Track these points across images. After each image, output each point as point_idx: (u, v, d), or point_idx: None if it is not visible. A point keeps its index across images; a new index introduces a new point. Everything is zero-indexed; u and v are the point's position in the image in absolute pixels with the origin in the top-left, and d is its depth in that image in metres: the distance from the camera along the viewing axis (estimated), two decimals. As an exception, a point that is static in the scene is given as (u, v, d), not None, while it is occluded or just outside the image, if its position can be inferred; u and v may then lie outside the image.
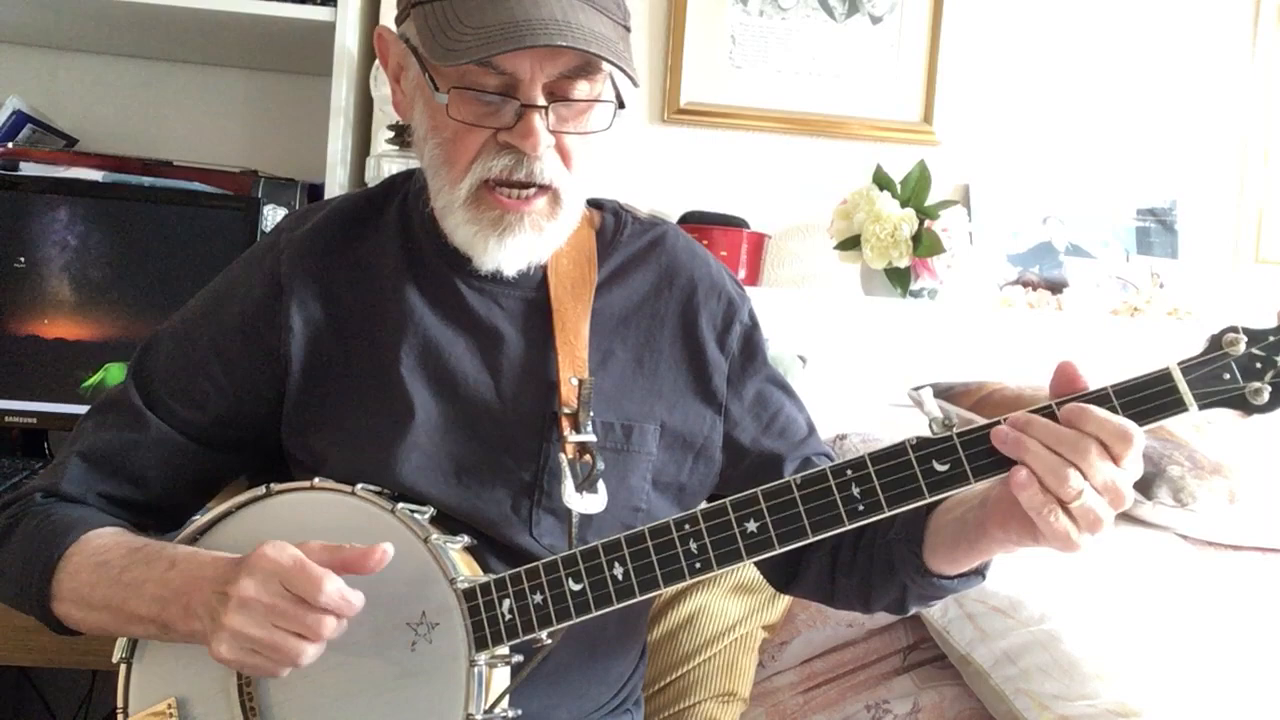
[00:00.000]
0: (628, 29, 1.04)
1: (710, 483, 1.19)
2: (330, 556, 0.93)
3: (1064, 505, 0.85)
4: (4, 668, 1.99)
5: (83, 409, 1.18)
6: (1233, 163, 2.23)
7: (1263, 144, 2.23)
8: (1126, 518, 1.63)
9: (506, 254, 1.05)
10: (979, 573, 1.03)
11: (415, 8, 1.01)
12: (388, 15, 2.02)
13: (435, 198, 1.07)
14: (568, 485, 1.04)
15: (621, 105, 1.04)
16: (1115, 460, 0.85)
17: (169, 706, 1.03)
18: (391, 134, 1.89)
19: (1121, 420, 0.85)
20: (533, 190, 1.03)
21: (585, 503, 1.04)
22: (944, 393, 1.75)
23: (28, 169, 1.88)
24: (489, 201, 1.03)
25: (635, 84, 1.01)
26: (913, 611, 1.12)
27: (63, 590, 1.04)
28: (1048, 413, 0.88)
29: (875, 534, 1.08)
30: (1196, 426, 1.67)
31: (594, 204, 1.20)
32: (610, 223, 1.19)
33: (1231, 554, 1.65)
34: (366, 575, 0.94)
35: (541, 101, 0.99)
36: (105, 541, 1.04)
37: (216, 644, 0.92)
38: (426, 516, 1.02)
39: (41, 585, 1.04)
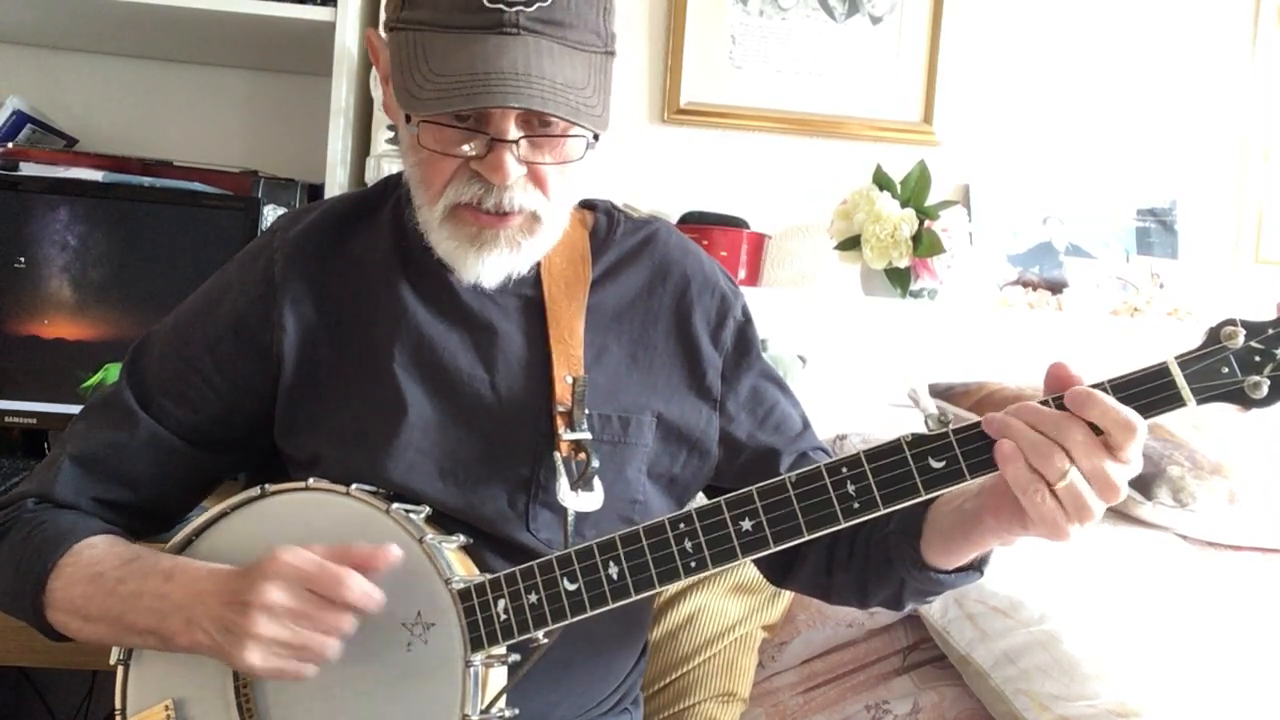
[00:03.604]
0: (610, 53, 1.03)
1: (703, 477, 1.19)
2: (339, 556, 0.94)
3: (1050, 486, 0.85)
4: (4, 668, 1.99)
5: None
6: (1233, 163, 2.23)
7: (1263, 144, 2.23)
8: (1126, 518, 1.63)
9: (485, 269, 1.06)
10: (976, 568, 1.03)
11: (391, 32, 1.02)
12: (387, 16, 2.02)
13: (417, 211, 1.08)
14: (562, 484, 1.04)
15: (596, 137, 1.02)
16: (1116, 449, 0.85)
17: (166, 708, 1.03)
18: (391, 134, 1.89)
19: (1126, 411, 0.84)
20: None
21: (580, 501, 1.04)
22: (944, 393, 1.74)
23: (28, 169, 1.87)
24: (465, 219, 1.04)
25: (596, 136, 1.00)
26: (909, 608, 1.12)
27: (56, 600, 1.03)
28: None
29: (872, 528, 1.07)
30: (1196, 426, 1.66)
31: (587, 204, 1.20)
32: (603, 222, 1.19)
33: (1231, 554, 1.64)
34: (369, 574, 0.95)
35: (512, 135, 0.98)
36: (98, 552, 1.04)
37: (245, 653, 0.93)
38: (422, 516, 1.02)
39: (35, 594, 1.04)
